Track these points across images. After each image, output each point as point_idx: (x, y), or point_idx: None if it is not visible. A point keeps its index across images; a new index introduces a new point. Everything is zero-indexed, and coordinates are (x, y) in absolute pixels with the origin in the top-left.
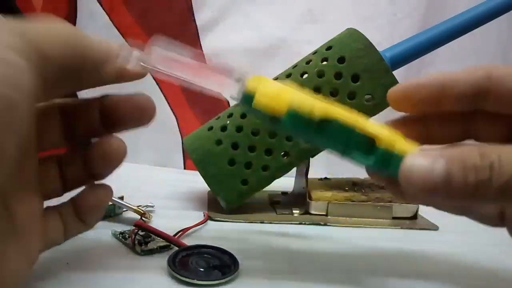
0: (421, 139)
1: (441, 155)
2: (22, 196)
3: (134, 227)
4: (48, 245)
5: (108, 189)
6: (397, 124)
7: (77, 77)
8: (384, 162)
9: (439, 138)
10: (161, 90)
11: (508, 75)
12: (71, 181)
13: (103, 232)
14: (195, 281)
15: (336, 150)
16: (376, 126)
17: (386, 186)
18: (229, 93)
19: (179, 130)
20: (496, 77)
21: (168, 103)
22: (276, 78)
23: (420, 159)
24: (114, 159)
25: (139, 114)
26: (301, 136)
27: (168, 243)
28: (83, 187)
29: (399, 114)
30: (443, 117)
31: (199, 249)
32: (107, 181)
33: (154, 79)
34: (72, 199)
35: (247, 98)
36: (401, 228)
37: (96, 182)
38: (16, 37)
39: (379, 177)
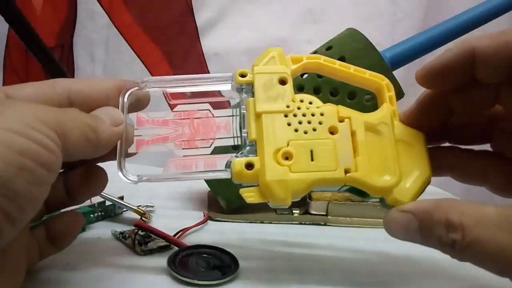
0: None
1: (415, 215)
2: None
3: (134, 227)
4: (28, 266)
5: (79, 217)
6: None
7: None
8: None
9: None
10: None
11: (492, 52)
12: (53, 205)
13: (103, 232)
14: (195, 281)
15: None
16: (368, 172)
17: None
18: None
19: None
20: (481, 56)
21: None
22: None
23: (398, 216)
24: (95, 187)
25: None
26: None
27: (168, 243)
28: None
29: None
30: (465, 91)
31: (199, 249)
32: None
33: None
34: (45, 225)
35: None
36: None
37: (68, 209)
38: (52, 131)
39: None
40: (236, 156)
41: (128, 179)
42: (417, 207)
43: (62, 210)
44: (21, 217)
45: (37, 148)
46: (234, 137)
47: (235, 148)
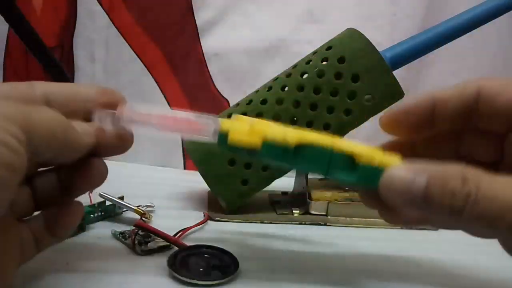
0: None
1: (424, 171)
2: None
3: (134, 227)
4: (21, 262)
5: (80, 207)
6: (385, 148)
7: (57, 156)
8: (368, 178)
9: (474, 155)
10: (161, 91)
11: (497, 92)
12: (44, 201)
13: (103, 232)
14: (195, 281)
15: (320, 172)
16: (354, 144)
17: (378, 210)
18: (205, 135)
19: None
20: (486, 94)
21: (168, 103)
22: (276, 78)
23: (402, 171)
24: (96, 181)
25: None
26: (282, 163)
27: (168, 243)
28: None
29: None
30: (430, 139)
31: (199, 249)
32: (107, 181)
33: (156, 81)
34: (44, 214)
35: (222, 137)
36: (401, 228)
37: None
38: (16, 127)
39: (369, 200)
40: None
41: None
42: (427, 164)
43: None
44: None
45: (3, 135)
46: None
47: None
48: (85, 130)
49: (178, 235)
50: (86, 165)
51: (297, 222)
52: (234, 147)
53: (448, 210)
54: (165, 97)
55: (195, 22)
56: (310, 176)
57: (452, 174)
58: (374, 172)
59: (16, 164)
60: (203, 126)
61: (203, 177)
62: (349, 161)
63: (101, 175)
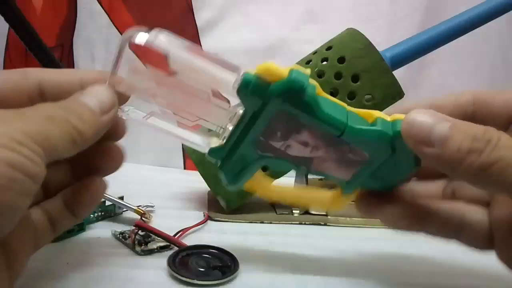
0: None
1: (447, 120)
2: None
3: (134, 227)
4: (37, 246)
5: (102, 184)
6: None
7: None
8: (386, 129)
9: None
10: None
11: (493, 95)
12: (54, 188)
13: (103, 232)
14: (195, 281)
15: (340, 125)
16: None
17: (377, 214)
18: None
19: None
20: (482, 98)
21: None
22: None
23: (425, 116)
24: (115, 163)
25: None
26: (298, 112)
27: (168, 243)
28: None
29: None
30: None
31: (199, 249)
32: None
33: None
34: (63, 193)
35: (247, 79)
36: None
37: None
38: (37, 146)
39: (369, 209)
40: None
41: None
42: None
43: None
44: (8, 227)
45: (24, 161)
46: (218, 126)
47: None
48: (104, 104)
49: (178, 235)
50: (102, 148)
51: (297, 222)
52: (255, 89)
53: (466, 152)
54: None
55: (195, 22)
56: (310, 176)
57: (475, 125)
58: (390, 125)
59: (39, 177)
60: (230, 67)
61: (203, 177)
62: (363, 120)
63: (119, 158)
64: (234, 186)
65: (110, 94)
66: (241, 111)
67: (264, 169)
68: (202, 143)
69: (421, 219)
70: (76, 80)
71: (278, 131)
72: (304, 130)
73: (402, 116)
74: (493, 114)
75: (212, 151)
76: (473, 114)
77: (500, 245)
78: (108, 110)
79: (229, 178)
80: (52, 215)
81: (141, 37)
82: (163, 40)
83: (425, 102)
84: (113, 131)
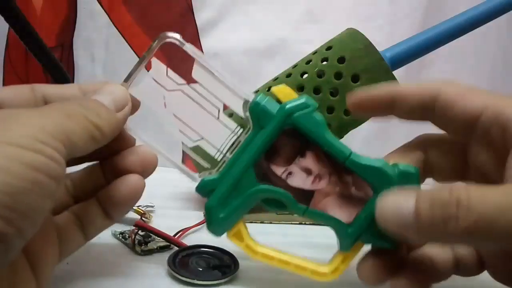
0: (422, 167)
1: (411, 193)
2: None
3: (134, 227)
4: (64, 253)
5: (139, 182)
6: (397, 153)
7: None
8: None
9: (439, 167)
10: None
11: (454, 100)
12: (89, 192)
13: (103, 232)
14: (195, 281)
15: (343, 151)
16: None
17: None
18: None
19: None
20: (443, 100)
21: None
22: (276, 78)
23: (392, 197)
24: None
25: (141, 167)
26: (307, 130)
27: (168, 243)
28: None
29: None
30: (441, 146)
31: (199, 249)
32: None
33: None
34: (99, 194)
35: (261, 97)
36: None
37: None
38: (59, 142)
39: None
40: (210, 173)
41: None
42: (419, 189)
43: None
44: (31, 230)
45: (47, 161)
46: (218, 150)
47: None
48: (118, 101)
49: (178, 235)
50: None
51: (297, 222)
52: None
53: (440, 225)
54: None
55: (195, 22)
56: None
57: (438, 188)
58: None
59: (60, 176)
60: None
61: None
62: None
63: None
64: (222, 227)
65: (123, 91)
66: (245, 136)
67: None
68: (194, 174)
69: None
70: (79, 94)
71: (282, 153)
72: (309, 152)
73: (402, 161)
74: (452, 119)
75: (204, 182)
76: (434, 113)
77: (493, 270)
78: (122, 107)
79: (218, 214)
80: (83, 219)
81: (177, 36)
82: (191, 47)
83: (391, 88)
84: (122, 142)
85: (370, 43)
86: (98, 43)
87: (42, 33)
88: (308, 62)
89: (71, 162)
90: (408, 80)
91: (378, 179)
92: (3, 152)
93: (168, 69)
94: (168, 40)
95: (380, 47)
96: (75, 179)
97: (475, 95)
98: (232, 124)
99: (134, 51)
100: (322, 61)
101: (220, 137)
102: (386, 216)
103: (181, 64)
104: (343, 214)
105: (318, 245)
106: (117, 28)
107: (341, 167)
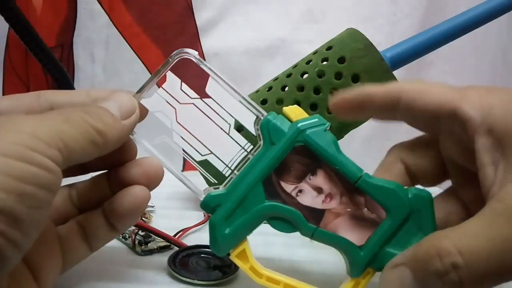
0: (407, 177)
1: (405, 264)
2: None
3: (134, 227)
4: (67, 264)
5: (143, 193)
6: (379, 172)
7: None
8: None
9: (421, 172)
10: None
11: (414, 98)
12: (94, 203)
13: None
14: (195, 281)
15: (354, 172)
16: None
17: None
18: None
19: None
20: (405, 98)
21: None
22: (276, 78)
23: (390, 274)
24: (153, 178)
25: (147, 179)
26: (319, 147)
27: (168, 243)
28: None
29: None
30: (415, 151)
31: (199, 249)
32: None
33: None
34: (104, 205)
35: (273, 114)
36: None
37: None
38: (54, 149)
39: None
40: (216, 188)
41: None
42: (404, 255)
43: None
44: (26, 241)
45: (36, 171)
46: (226, 165)
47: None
48: (125, 109)
49: (178, 235)
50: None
51: None
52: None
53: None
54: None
55: (195, 22)
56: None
57: (427, 254)
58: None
59: (54, 185)
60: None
61: (203, 177)
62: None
63: (159, 174)
64: (226, 244)
65: (130, 100)
66: (255, 152)
67: None
68: (199, 189)
69: None
70: (88, 101)
71: (293, 170)
72: (320, 171)
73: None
74: (416, 117)
75: (210, 197)
76: (400, 110)
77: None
78: (128, 116)
79: (223, 230)
80: (88, 229)
81: (195, 53)
82: (207, 63)
83: (360, 90)
84: (125, 152)
85: (370, 43)
86: (98, 43)
87: (42, 33)
88: (308, 62)
89: (77, 171)
90: (408, 80)
91: (391, 201)
92: None
93: (182, 83)
94: (185, 56)
95: (380, 47)
96: (80, 189)
97: (434, 91)
98: (242, 140)
99: (134, 51)
100: (322, 61)
101: (229, 153)
102: None
103: (187, 80)
104: (355, 236)
105: (318, 245)
106: (117, 28)
107: (352, 187)
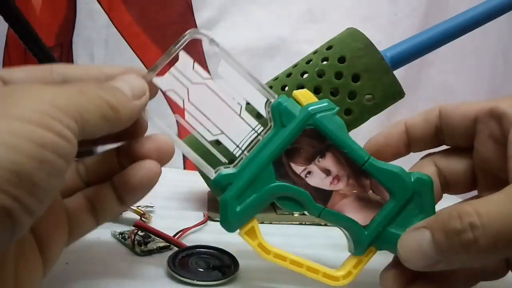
0: (466, 169)
1: (425, 226)
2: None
3: (133, 228)
4: (74, 236)
5: (154, 167)
6: (441, 154)
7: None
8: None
9: (452, 179)
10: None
11: (453, 108)
12: (103, 176)
13: (102, 232)
14: (195, 282)
15: (362, 155)
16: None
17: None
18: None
19: (178, 130)
20: (445, 111)
21: (170, 106)
22: (276, 78)
23: (408, 236)
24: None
25: (158, 155)
26: (328, 130)
27: (167, 244)
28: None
29: (397, 114)
30: (448, 159)
31: (198, 250)
32: None
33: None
34: (114, 178)
35: (284, 97)
36: None
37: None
38: (70, 118)
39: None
40: (227, 167)
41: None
42: (426, 220)
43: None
44: (40, 208)
45: (56, 139)
46: (237, 146)
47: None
48: (136, 90)
49: (178, 235)
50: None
51: (297, 222)
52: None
53: (462, 249)
54: (166, 100)
55: (195, 22)
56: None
57: (448, 216)
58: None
59: (71, 155)
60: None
61: (203, 177)
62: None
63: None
64: (237, 222)
65: (141, 81)
66: (265, 134)
67: None
68: (210, 168)
69: None
70: (101, 76)
71: (302, 152)
72: (329, 153)
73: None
74: (454, 125)
75: (222, 176)
76: (440, 127)
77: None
78: (139, 97)
79: (234, 207)
80: (96, 203)
81: (208, 33)
82: (220, 44)
83: (399, 125)
84: (135, 127)
85: (371, 42)
86: (97, 42)
87: (41, 32)
88: (308, 62)
89: (87, 144)
90: (408, 80)
91: (395, 183)
92: (10, 128)
93: (195, 63)
94: (198, 36)
95: (380, 47)
96: (88, 164)
97: (469, 103)
98: (253, 122)
99: (133, 51)
100: (322, 61)
101: (240, 134)
102: (410, 256)
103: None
104: (360, 217)
105: (318, 245)
106: (116, 28)
107: (359, 170)
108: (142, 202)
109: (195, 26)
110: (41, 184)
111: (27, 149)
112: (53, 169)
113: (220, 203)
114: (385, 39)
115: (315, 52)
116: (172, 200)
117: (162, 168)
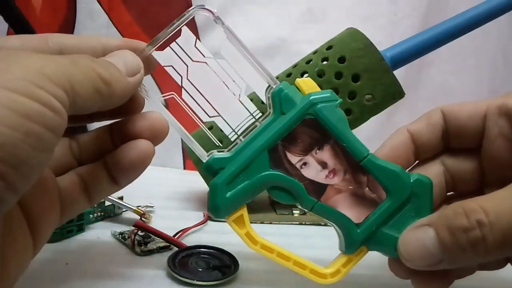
0: (474, 168)
1: (428, 224)
2: (36, 188)
3: (133, 228)
4: (65, 215)
5: (148, 147)
6: (416, 169)
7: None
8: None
9: (460, 176)
10: (161, 90)
11: (458, 109)
12: (97, 155)
13: (102, 232)
14: (195, 282)
15: (361, 150)
16: None
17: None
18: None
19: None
20: (448, 112)
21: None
22: (276, 78)
23: (411, 234)
24: (159, 131)
25: (152, 134)
26: (328, 122)
27: (167, 244)
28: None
29: (397, 114)
30: (456, 156)
31: (198, 250)
32: None
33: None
34: (106, 158)
35: (286, 84)
36: None
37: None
38: (60, 89)
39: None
40: (221, 151)
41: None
42: (427, 218)
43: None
44: (24, 185)
45: (43, 110)
46: (233, 130)
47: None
48: (131, 66)
49: (177, 235)
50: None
51: (297, 222)
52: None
53: (469, 247)
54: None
55: (195, 22)
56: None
57: (454, 213)
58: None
59: (59, 128)
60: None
61: (203, 177)
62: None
63: (164, 128)
64: (225, 207)
65: (135, 57)
66: (263, 120)
67: None
68: (203, 151)
69: None
70: (99, 47)
71: (300, 142)
72: (327, 146)
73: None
74: (462, 126)
75: (214, 159)
76: (446, 129)
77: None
78: (133, 74)
79: (224, 193)
80: (89, 181)
81: (213, 10)
82: (225, 23)
83: (404, 135)
84: (131, 103)
85: (371, 42)
86: None
87: (41, 32)
88: (308, 62)
89: (81, 119)
90: (408, 80)
91: (393, 183)
92: None
93: (197, 40)
94: (202, 12)
95: (380, 47)
96: (81, 141)
97: (471, 102)
98: (252, 107)
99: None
100: (322, 61)
101: (237, 118)
102: (411, 253)
103: None
104: (354, 214)
105: (318, 245)
106: (116, 28)
107: (357, 166)
108: (142, 202)
109: (195, 26)
110: (27, 159)
111: (9, 119)
112: (40, 143)
113: (210, 187)
114: (385, 39)
115: (315, 52)
116: (172, 200)
117: (162, 169)
